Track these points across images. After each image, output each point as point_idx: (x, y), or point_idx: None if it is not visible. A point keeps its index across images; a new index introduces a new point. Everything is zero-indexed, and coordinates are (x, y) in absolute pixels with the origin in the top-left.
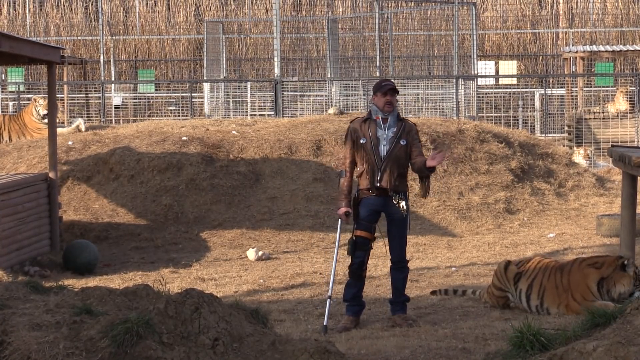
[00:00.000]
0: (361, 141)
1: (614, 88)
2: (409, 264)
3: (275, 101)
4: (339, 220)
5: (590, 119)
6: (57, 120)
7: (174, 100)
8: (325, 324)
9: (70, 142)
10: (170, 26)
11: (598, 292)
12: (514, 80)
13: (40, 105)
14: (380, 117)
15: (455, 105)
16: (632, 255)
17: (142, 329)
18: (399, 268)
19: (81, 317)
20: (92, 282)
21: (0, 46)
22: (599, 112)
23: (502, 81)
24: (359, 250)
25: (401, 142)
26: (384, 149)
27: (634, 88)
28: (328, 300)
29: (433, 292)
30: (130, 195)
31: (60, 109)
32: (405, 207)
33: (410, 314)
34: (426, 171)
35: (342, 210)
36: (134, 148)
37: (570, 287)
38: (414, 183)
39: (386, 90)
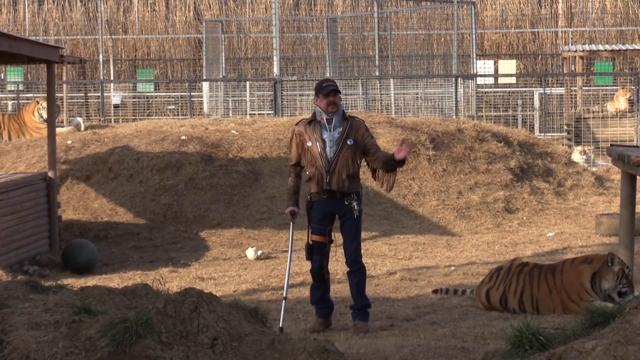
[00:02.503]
0: (307, 144)
1: (614, 87)
2: (412, 262)
3: (274, 100)
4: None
5: (589, 118)
6: (57, 120)
7: (173, 99)
8: (280, 325)
9: (69, 142)
10: (169, 25)
11: (592, 289)
12: (513, 80)
13: (43, 108)
14: (325, 118)
15: (454, 105)
16: (631, 255)
17: (141, 328)
18: (354, 272)
19: (80, 316)
20: (91, 281)
21: (0, 45)
22: (598, 112)
23: (501, 80)
24: (316, 255)
25: (348, 142)
26: (330, 151)
27: (633, 87)
28: (283, 301)
29: (435, 291)
30: (130, 195)
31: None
32: (356, 208)
33: (409, 313)
34: (396, 164)
35: (288, 210)
36: (133, 147)
37: (565, 287)
38: (412, 182)
39: (328, 91)
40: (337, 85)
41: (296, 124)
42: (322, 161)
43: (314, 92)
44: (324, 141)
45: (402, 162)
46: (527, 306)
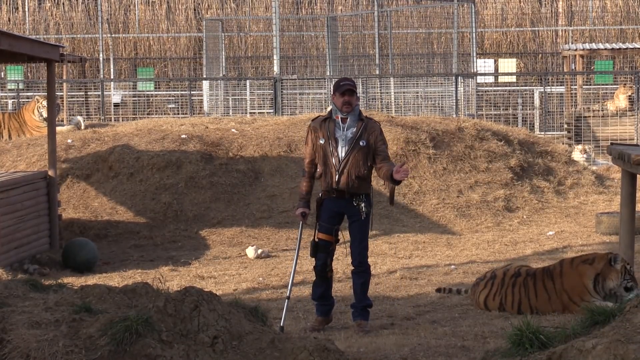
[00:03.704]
0: (320, 141)
1: (614, 86)
2: (412, 261)
3: (274, 99)
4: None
5: (589, 116)
6: (57, 119)
7: (174, 98)
8: (281, 324)
9: (69, 140)
10: (169, 24)
11: (594, 290)
12: (513, 78)
13: (43, 107)
14: (339, 117)
15: (454, 103)
16: (631, 254)
17: (141, 327)
18: (359, 272)
19: (80, 315)
20: (92, 280)
21: (0, 44)
22: (599, 110)
23: (501, 79)
24: (320, 253)
25: (361, 144)
26: (342, 150)
27: (634, 86)
28: (286, 301)
29: (438, 290)
30: (130, 193)
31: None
32: (364, 210)
33: (409, 311)
34: (391, 182)
35: (298, 211)
36: (133, 146)
37: (566, 289)
38: (413, 180)
39: (344, 90)
40: (354, 85)
41: (312, 120)
42: (333, 160)
43: (332, 90)
44: (336, 140)
45: (397, 182)
46: (527, 314)
